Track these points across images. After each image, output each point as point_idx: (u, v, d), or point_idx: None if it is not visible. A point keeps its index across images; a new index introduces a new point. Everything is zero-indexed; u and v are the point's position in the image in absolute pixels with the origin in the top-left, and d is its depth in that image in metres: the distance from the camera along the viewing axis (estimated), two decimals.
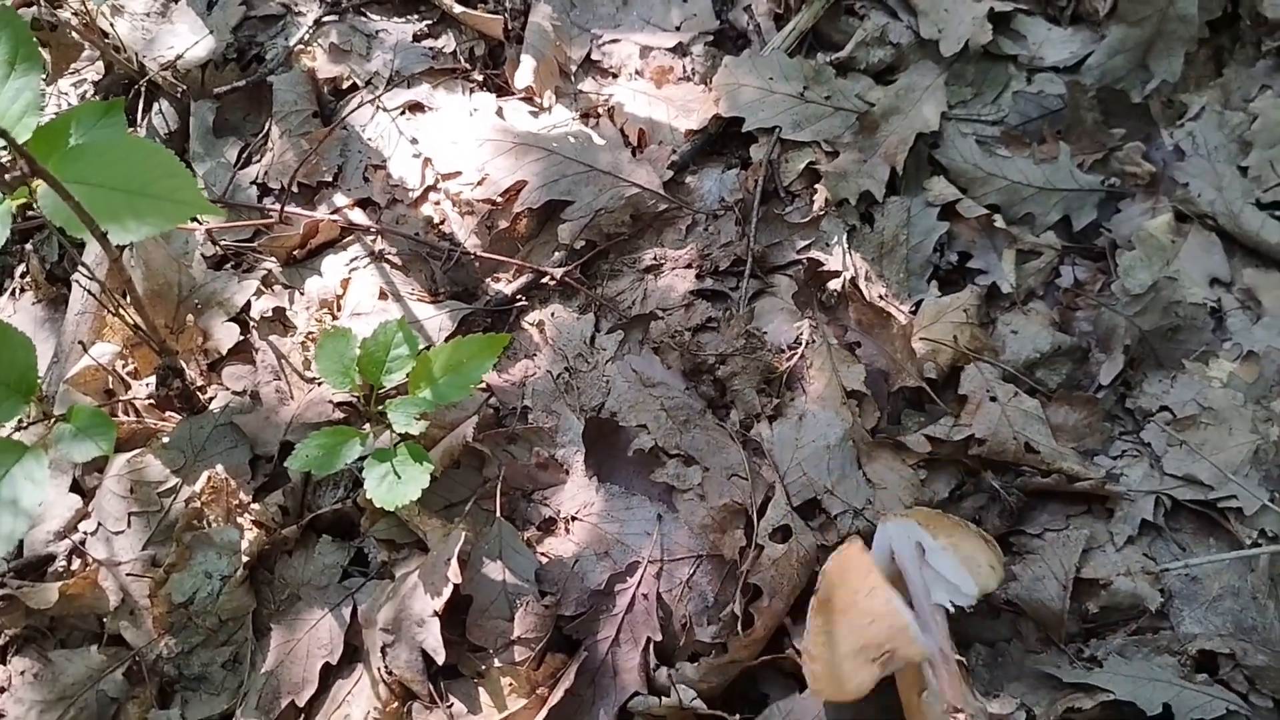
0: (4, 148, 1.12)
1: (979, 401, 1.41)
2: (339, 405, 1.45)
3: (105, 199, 1.13)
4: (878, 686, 1.09)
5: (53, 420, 1.27)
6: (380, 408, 1.30)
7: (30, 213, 1.21)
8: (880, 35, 1.66)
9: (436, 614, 1.25)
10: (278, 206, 1.53)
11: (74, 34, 1.61)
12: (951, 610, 1.19)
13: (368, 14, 1.75)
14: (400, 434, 1.26)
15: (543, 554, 1.35)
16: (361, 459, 1.27)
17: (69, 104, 1.69)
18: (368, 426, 1.34)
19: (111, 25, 1.72)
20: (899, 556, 1.22)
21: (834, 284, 1.51)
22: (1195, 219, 1.54)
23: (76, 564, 1.39)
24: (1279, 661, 1.22)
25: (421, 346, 1.34)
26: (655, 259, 1.56)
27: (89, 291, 1.52)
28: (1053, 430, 1.39)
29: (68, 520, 1.41)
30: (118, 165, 1.15)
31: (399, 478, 1.23)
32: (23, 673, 1.34)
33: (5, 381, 1.22)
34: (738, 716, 1.20)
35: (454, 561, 1.25)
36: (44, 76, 1.36)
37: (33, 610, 1.35)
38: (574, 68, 1.71)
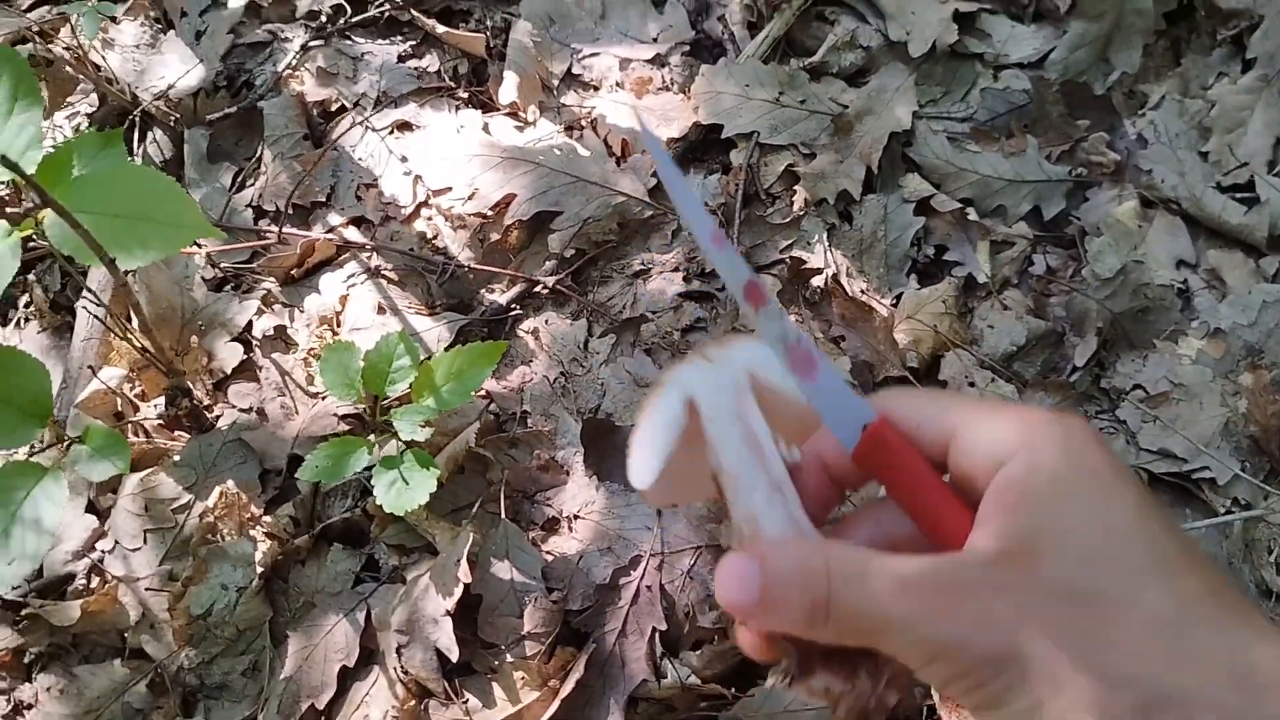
0: (6, 181, 1.17)
1: (958, 387, 1.47)
2: (343, 418, 1.49)
3: (111, 226, 1.18)
4: None
5: (67, 443, 1.32)
6: (385, 417, 1.35)
7: (32, 244, 1.25)
8: (850, 39, 1.72)
9: (449, 613, 1.30)
10: (274, 228, 1.58)
11: (68, 68, 1.65)
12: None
13: (352, 37, 1.80)
14: (406, 441, 1.31)
15: (548, 552, 1.40)
16: (369, 468, 1.32)
17: (65, 136, 1.73)
18: (373, 436, 1.39)
19: (103, 58, 1.76)
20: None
21: (817, 280, 1.57)
22: (1160, 204, 1.60)
23: (95, 581, 1.44)
24: None
25: (422, 357, 1.39)
26: (643, 264, 1.61)
27: (95, 317, 1.56)
28: None
29: (85, 539, 1.46)
30: (121, 193, 1.20)
31: (407, 484, 1.28)
32: (49, 689, 1.38)
33: (20, 406, 1.26)
34: (733, 690, 1.26)
35: (464, 562, 1.30)
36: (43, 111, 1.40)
37: (55, 628, 1.39)
38: (556, 82, 1.77)
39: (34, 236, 1.24)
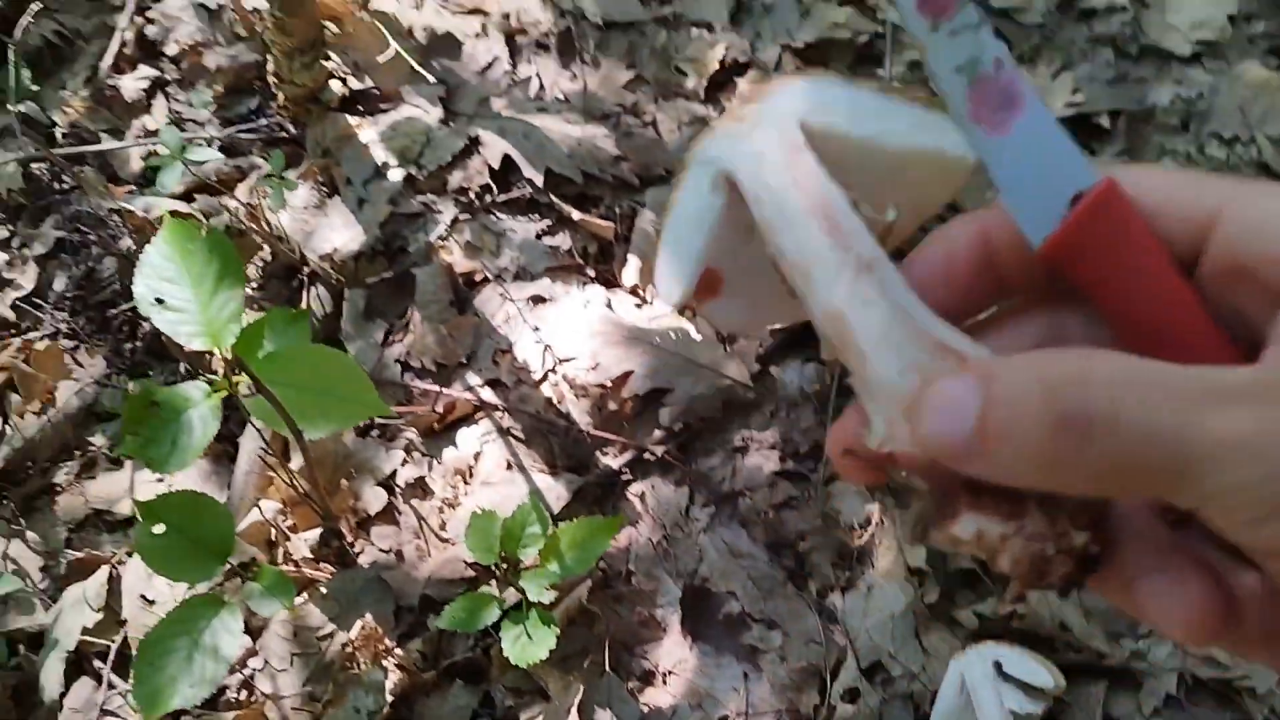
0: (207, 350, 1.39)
1: None
2: (470, 564, 1.69)
3: (298, 398, 1.38)
4: None
5: (234, 573, 1.52)
6: (513, 574, 1.54)
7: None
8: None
9: None
10: (420, 383, 1.79)
11: (255, 237, 1.91)
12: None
13: (497, 214, 2.04)
14: (532, 601, 1.49)
15: (644, 704, 1.57)
16: (498, 622, 1.50)
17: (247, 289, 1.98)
18: (494, 585, 1.58)
19: (277, 218, 2.02)
20: (970, 683, 1.41)
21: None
22: None
23: (245, 695, 1.63)
24: None
25: (548, 520, 1.58)
26: (743, 440, 1.80)
27: (260, 457, 1.78)
28: (1085, 613, 1.59)
29: (239, 656, 1.66)
30: (308, 369, 1.40)
31: (530, 639, 1.47)
32: None
33: (208, 546, 1.47)
34: None
35: (574, 711, 1.47)
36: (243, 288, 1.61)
37: None
38: None
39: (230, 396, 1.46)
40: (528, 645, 1.46)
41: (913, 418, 0.38)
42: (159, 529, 1.39)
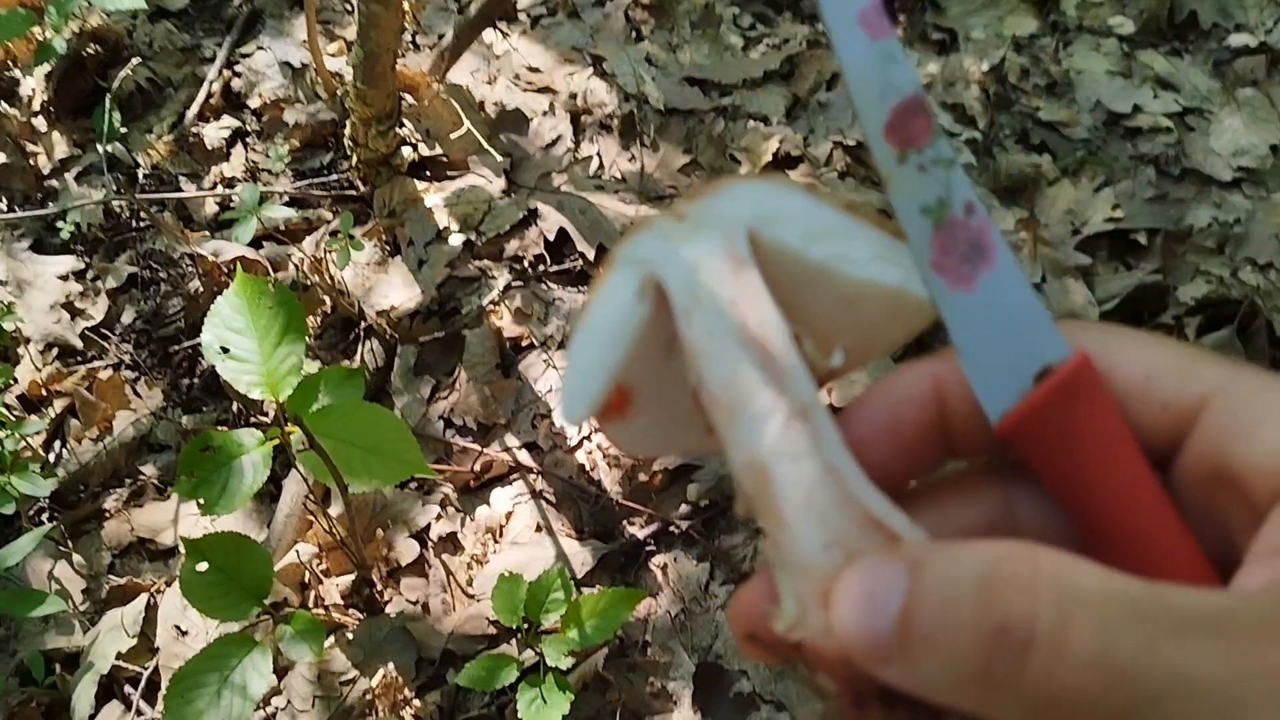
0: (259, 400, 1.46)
1: None
2: (493, 623, 1.74)
3: (346, 453, 1.45)
4: None
5: (267, 612, 1.59)
6: (533, 637, 1.59)
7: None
8: None
9: None
10: (461, 441, 1.86)
11: (318, 290, 2.00)
12: None
13: (548, 283, 2.12)
14: (550, 666, 1.54)
15: None
16: (515, 684, 1.55)
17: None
18: (514, 645, 1.63)
19: (341, 275, 2.11)
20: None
21: None
22: None
23: None
24: None
25: (572, 586, 1.63)
26: None
27: (305, 505, 1.86)
28: None
29: (263, 694, 1.71)
30: (358, 426, 1.47)
31: (545, 703, 1.51)
32: None
33: (246, 586, 1.53)
34: None
35: None
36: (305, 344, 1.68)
37: None
38: None
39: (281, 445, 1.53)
40: (542, 709, 1.50)
41: (830, 607, 0.33)
42: (202, 566, 1.46)
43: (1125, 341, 0.37)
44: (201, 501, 1.36)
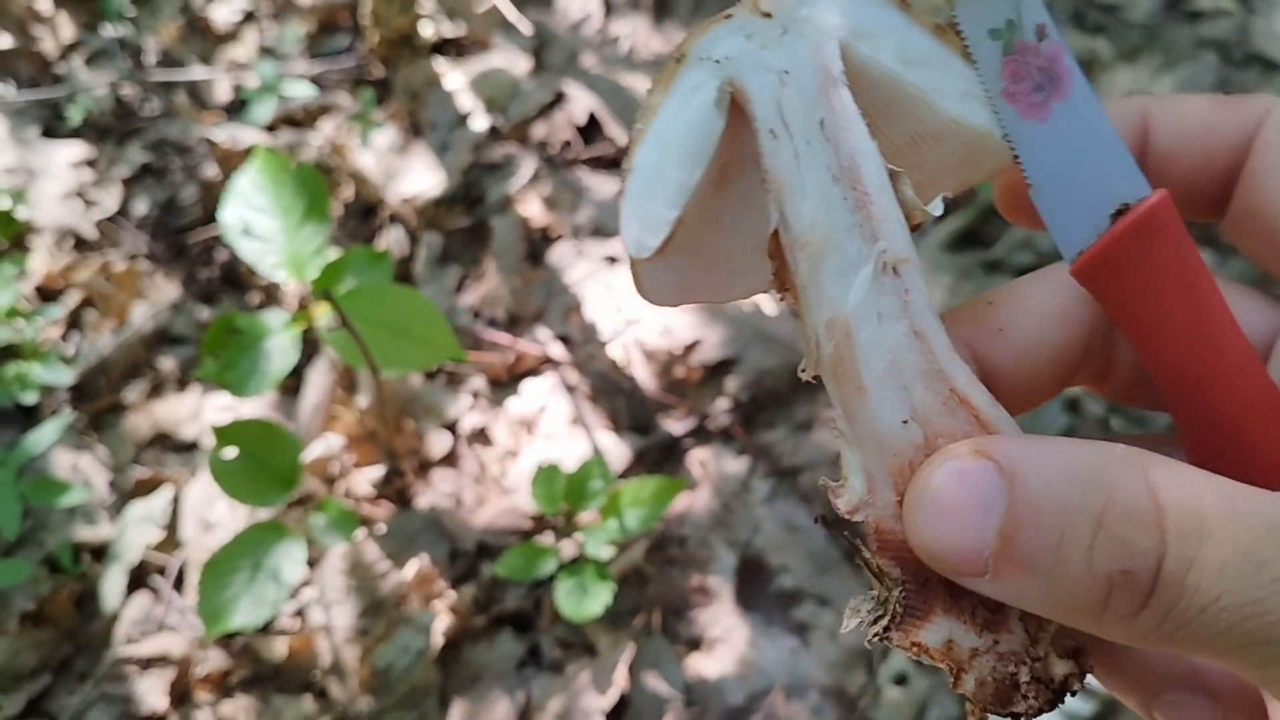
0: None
1: None
2: (527, 516, 1.69)
3: (377, 336, 1.39)
4: None
5: (296, 504, 1.55)
6: (571, 526, 1.55)
7: None
8: (1026, 240, 1.88)
9: (603, 712, 1.47)
10: (491, 333, 1.80)
11: (338, 174, 1.92)
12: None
13: (577, 170, 2.03)
14: (590, 557, 1.50)
15: (691, 668, 1.57)
16: (553, 575, 1.51)
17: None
18: (551, 537, 1.59)
19: (361, 160, 2.03)
20: None
21: None
22: None
23: (298, 624, 1.66)
24: None
25: (611, 479, 1.58)
26: (807, 417, 1.79)
27: (329, 392, 1.80)
28: None
29: (297, 582, 1.68)
30: (389, 309, 1.41)
31: (585, 594, 1.47)
32: (247, 709, 1.60)
33: (276, 473, 1.49)
34: None
35: (623, 668, 1.48)
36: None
37: (261, 659, 1.62)
38: None
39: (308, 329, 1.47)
40: (582, 600, 1.46)
41: (910, 508, 0.31)
42: (231, 453, 1.41)
43: (1182, 98, 0.36)
44: (230, 383, 1.30)
